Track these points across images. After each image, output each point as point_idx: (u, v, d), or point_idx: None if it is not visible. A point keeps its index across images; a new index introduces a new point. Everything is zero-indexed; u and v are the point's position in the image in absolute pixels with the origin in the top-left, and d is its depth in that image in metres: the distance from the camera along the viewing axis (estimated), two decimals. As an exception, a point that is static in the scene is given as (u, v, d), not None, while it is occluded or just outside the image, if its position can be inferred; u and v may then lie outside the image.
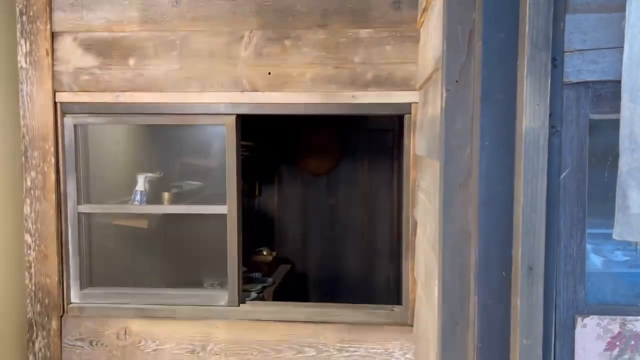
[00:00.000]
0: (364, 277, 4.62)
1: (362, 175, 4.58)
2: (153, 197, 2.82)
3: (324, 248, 4.66)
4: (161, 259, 3.18)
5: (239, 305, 2.55)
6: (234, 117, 2.47)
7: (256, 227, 4.67)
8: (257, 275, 4.01)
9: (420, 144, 2.19)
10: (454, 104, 1.38)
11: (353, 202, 4.60)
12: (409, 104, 2.39)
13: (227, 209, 2.52)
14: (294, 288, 4.37)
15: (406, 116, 2.43)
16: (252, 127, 4.40)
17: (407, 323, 2.49)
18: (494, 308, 1.31)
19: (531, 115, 1.22)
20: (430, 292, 1.82)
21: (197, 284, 3.21)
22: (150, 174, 2.83)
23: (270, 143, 4.60)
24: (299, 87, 2.37)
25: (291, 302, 2.66)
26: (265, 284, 3.87)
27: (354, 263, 4.62)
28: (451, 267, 1.38)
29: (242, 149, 4.08)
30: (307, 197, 4.65)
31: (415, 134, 2.39)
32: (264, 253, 4.20)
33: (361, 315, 2.52)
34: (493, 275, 1.32)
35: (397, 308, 2.57)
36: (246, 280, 3.87)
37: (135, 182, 2.78)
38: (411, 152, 2.45)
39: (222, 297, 2.57)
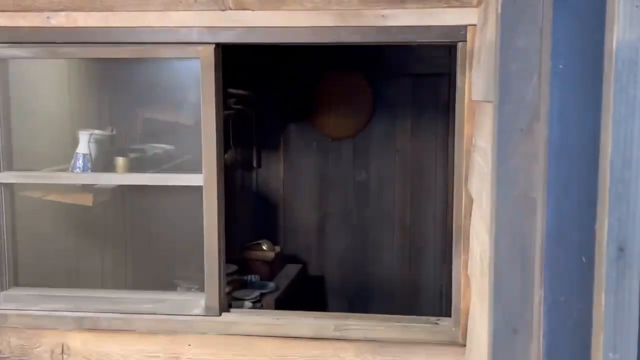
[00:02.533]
0: (406, 284, 4.59)
1: (403, 140, 4.53)
2: (102, 163, 2.82)
3: (348, 242, 4.64)
4: (115, 250, 3.19)
5: (219, 315, 2.55)
6: (212, 47, 2.43)
7: (254, 211, 4.67)
8: (253, 278, 4.02)
9: (478, 84, 2.13)
10: (514, 11, 1.32)
11: (389, 178, 4.56)
12: (464, 27, 2.32)
13: (203, 178, 2.50)
14: (305, 296, 4.37)
15: (459, 45, 2.36)
16: (247, 70, 4.37)
17: (457, 341, 2.45)
18: (568, 308, 1.26)
19: (627, 23, 1.16)
20: (483, 292, 1.78)
21: (169, 286, 3.22)
22: (97, 132, 2.82)
23: (274, 93, 4.57)
24: (304, 4, 2.32)
25: (293, 311, 2.65)
26: (264, 290, 3.87)
27: (390, 263, 4.60)
28: (507, 249, 1.34)
29: (232, 100, 4.08)
30: (325, 171, 4.63)
31: (472, 71, 2.32)
32: (264, 248, 4.20)
33: (393, 330, 2.50)
34: (568, 261, 1.27)
35: (443, 321, 2.54)
36: (239, 284, 3.89)
37: (76, 143, 2.77)
38: (466, 98, 2.39)
39: (197, 303, 2.57)
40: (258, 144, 4.62)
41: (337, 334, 2.50)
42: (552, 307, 1.28)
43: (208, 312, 2.54)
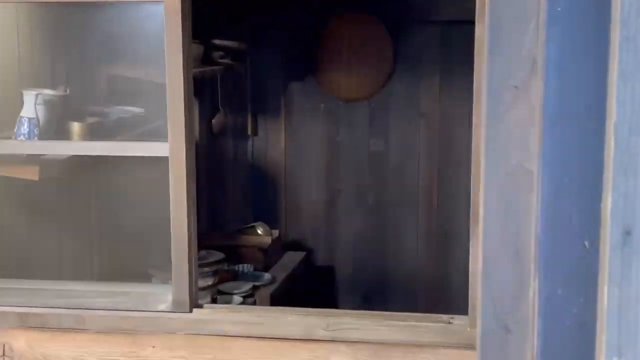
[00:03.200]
0: (432, 276, 4.61)
1: (430, 102, 4.52)
2: (53, 129, 2.86)
3: (362, 225, 4.66)
4: (75, 235, 3.23)
5: (190, 311, 2.59)
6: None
7: (249, 188, 4.69)
8: (246, 268, 4.05)
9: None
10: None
11: (413, 148, 4.56)
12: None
13: (169, 148, 2.53)
14: (310, 291, 4.41)
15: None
16: (240, 21, 4.38)
17: (472, 344, 2.46)
18: (566, 303, 1.27)
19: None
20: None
21: (142, 277, 3.27)
22: (47, 92, 2.86)
23: (272, 45, 4.58)
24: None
25: (279, 307, 2.69)
26: (258, 283, 3.91)
27: (414, 252, 4.61)
28: (499, 232, 1.35)
29: (218, 54, 4.09)
30: (335, 140, 4.65)
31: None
32: (259, 232, 4.24)
33: (396, 331, 2.52)
34: (567, 247, 1.28)
35: (458, 320, 2.55)
36: (228, 276, 3.92)
37: (20, 105, 2.81)
38: (485, 51, 2.38)
39: (164, 297, 2.61)
40: (254, 106, 4.64)
41: (329, 335, 2.53)
42: (548, 302, 1.29)
43: (176, 307, 2.58)
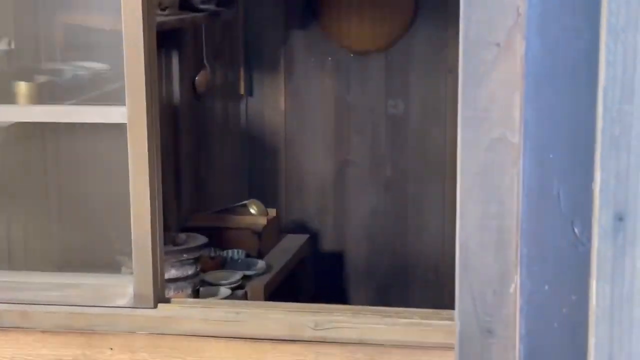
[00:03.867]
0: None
1: (458, 55, 4.50)
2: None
3: (378, 202, 4.67)
4: (16, 215, 3.27)
5: (154, 307, 2.61)
6: None
7: (240, 159, 4.72)
8: (236, 254, 4.09)
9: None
10: None
11: (438, 110, 4.56)
12: None
13: (126, 113, 2.55)
14: (314, 280, 4.44)
15: None
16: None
17: (487, 346, 2.49)
18: (554, 301, 1.30)
19: None
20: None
21: (108, 265, 3.31)
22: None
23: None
24: None
25: (262, 302, 2.72)
26: (250, 272, 3.94)
27: (438, 233, 4.62)
28: (479, 216, 1.38)
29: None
30: (345, 100, 4.66)
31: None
32: (252, 211, 4.27)
33: (398, 330, 2.54)
34: (554, 234, 1.31)
35: (471, 317, 2.58)
36: (214, 263, 3.96)
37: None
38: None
39: (124, 290, 2.64)
40: (247, 61, 4.65)
41: (318, 334, 2.54)
42: (533, 300, 1.32)
43: (138, 302, 2.60)
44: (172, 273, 3.50)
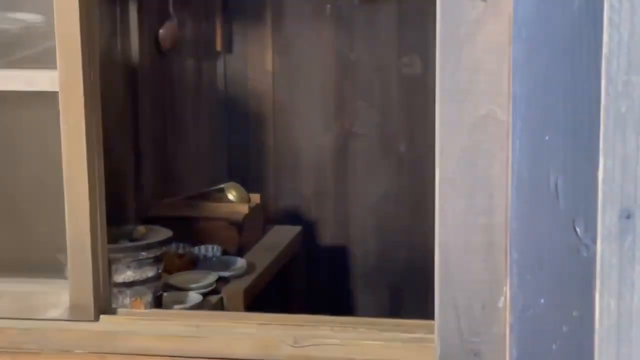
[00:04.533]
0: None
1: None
2: None
3: (389, 185, 4.67)
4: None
5: (95, 319, 2.62)
6: None
7: (217, 131, 4.72)
8: (209, 252, 4.09)
9: None
10: None
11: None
12: None
13: (58, 79, 2.56)
14: (309, 285, 4.46)
15: None
16: None
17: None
18: (554, 317, 1.32)
19: None
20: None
21: (48, 265, 3.31)
22: None
23: None
24: None
25: (231, 312, 2.72)
26: (227, 273, 3.95)
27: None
28: (462, 208, 1.39)
29: None
30: (347, 58, 4.65)
31: None
32: (231, 197, 4.27)
33: (396, 347, 2.55)
34: (551, 233, 1.32)
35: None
36: (182, 263, 3.97)
37: None
38: None
39: (57, 299, 2.65)
40: (225, 10, 4.66)
41: (298, 353, 2.56)
42: (526, 316, 1.32)
43: (75, 314, 2.60)
44: (127, 275, 3.51)
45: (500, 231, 1.41)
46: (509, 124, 1.38)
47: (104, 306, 2.66)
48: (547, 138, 1.32)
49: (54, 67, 2.58)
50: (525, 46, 1.32)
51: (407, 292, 4.71)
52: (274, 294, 4.09)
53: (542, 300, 1.35)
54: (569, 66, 1.31)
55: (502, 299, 1.37)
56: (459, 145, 1.41)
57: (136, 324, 2.64)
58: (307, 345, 2.57)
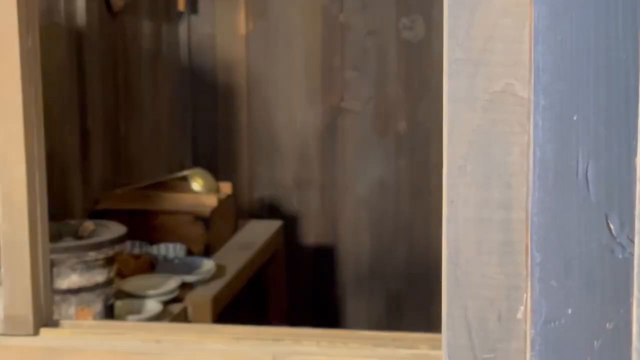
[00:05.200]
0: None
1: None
2: None
3: (386, 171, 4.70)
4: None
5: (34, 334, 2.64)
6: None
7: (181, 108, 4.74)
8: (171, 250, 4.12)
9: None
10: None
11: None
12: None
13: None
14: (290, 291, 4.49)
15: None
16: None
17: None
18: (583, 331, 1.33)
19: None
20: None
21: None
22: None
23: None
24: None
25: (198, 324, 2.74)
26: (191, 278, 3.97)
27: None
28: (473, 200, 1.40)
29: None
30: (336, 20, 4.67)
31: None
32: (196, 187, 4.29)
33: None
34: (580, 231, 1.33)
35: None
36: (139, 265, 3.99)
37: None
38: None
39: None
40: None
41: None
42: (551, 329, 1.33)
43: (10, 327, 2.63)
44: (72, 280, 3.51)
45: (519, 228, 1.42)
46: (530, 101, 1.38)
47: (44, 318, 2.68)
48: (575, 117, 1.33)
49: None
50: (550, 7, 1.33)
51: (407, 300, 4.74)
52: (249, 302, 4.11)
53: (570, 311, 1.36)
54: (603, 32, 1.32)
55: (522, 308, 1.38)
56: (470, 125, 1.42)
57: (83, 338, 2.66)
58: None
